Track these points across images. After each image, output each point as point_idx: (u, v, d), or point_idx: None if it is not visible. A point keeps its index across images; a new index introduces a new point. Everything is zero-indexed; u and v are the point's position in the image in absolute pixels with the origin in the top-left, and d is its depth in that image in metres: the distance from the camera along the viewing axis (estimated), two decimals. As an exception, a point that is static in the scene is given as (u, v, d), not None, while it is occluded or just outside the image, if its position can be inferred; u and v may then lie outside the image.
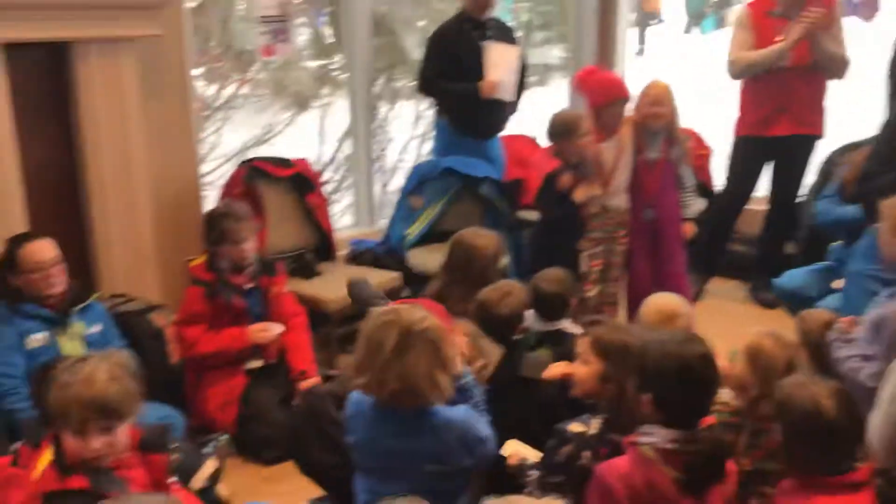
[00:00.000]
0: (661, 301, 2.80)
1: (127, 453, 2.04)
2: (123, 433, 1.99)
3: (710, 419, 2.04)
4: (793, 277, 3.81)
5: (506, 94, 4.41)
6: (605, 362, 2.28)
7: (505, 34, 4.56)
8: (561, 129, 3.80)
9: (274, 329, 3.30)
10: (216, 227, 3.27)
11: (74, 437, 1.93)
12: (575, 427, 2.27)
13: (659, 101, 3.82)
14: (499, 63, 4.38)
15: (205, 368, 3.30)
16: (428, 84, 4.43)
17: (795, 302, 3.71)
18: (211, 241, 3.29)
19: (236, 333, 3.27)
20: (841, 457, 2.01)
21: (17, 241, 2.99)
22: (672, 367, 2.00)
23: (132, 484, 2.00)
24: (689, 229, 4.06)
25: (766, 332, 2.48)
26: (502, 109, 4.53)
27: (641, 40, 12.94)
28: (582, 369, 2.34)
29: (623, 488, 1.99)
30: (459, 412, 2.15)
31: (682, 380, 1.99)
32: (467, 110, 4.41)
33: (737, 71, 4.53)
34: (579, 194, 3.82)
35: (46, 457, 1.99)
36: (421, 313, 2.02)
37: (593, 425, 2.26)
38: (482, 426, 2.21)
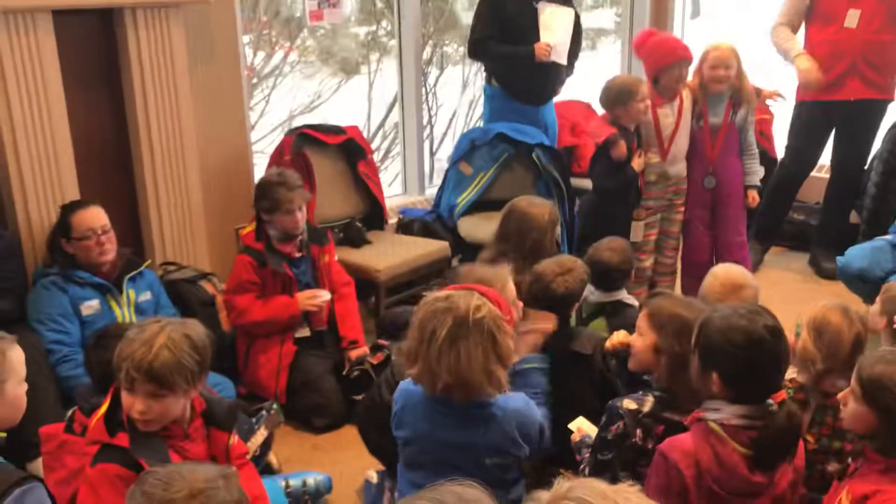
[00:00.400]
0: (726, 272, 2.70)
1: (190, 425, 2.03)
2: (176, 404, 1.96)
3: (781, 394, 1.93)
4: (856, 257, 3.61)
5: (560, 58, 4.28)
6: (660, 336, 2.18)
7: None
8: (617, 94, 3.67)
9: (323, 296, 3.28)
10: (269, 196, 3.22)
11: (125, 393, 1.93)
12: (628, 404, 2.19)
13: (722, 63, 3.69)
14: (553, 25, 4.25)
15: (255, 337, 3.29)
16: (478, 47, 4.32)
17: (863, 284, 3.55)
18: (263, 209, 3.25)
19: (286, 301, 3.25)
20: None
21: (70, 207, 3.02)
22: (740, 341, 1.89)
23: (187, 457, 1.97)
24: (753, 198, 3.93)
25: (833, 304, 2.38)
26: (556, 74, 4.40)
27: (696, 1, 12.58)
28: (638, 342, 2.26)
29: (688, 466, 1.91)
30: (518, 401, 2.05)
31: (750, 355, 1.89)
32: (519, 75, 4.30)
33: (771, 40, 4.36)
34: (636, 163, 3.70)
35: (103, 409, 2.00)
36: (477, 300, 1.90)
37: (647, 402, 2.17)
38: (539, 415, 2.12)
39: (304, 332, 3.31)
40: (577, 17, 4.43)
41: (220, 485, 1.52)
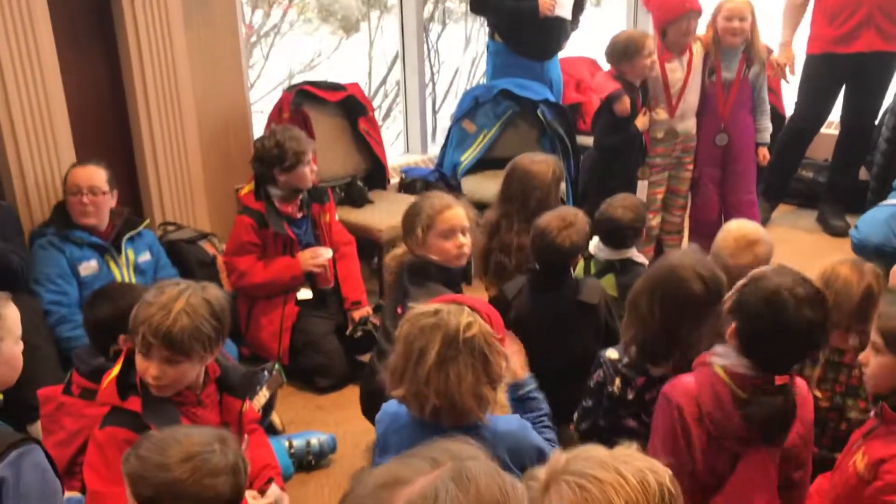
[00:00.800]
0: (739, 227, 2.64)
1: (203, 391, 1.99)
2: (192, 370, 1.92)
3: (784, 378, 1.86)
4: (871, 231, 3.50)
5: (565, 12, 4.18)
6: (647, 295, 2.12)
7: None
8: (623, 49, 3.58)
9: (324, 254, 3.23)
10: (276, 150, 3.11)
11: (139, 357, 1.89)
12: (610, 353, 2.18)
13: (737, 15, 3.59)
14: None
15: (256, 298, 3.24)
16: (481, 1, 4.22)
17: (880, 259, 3.47)
18: (280, 167, 3.13)
19: (288, 263, 3.19)
20: None
21: (74, 164, 2.99)
22: (765, 304, 1.82)
23: (198, 423, 1.93)
24: (764, 155, 3.86)
25: (846, 259, 2.33)
26: (560, 29, 4.30)
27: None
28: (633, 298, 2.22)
29: (690, 408, 1.87)
30: (512, 423, 1.90)
31: (773, 321, 1.81)
32: (523, 30, 4.20)
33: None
34: (640, 122, 3.62)
35: (115, 371, 1.96)
36: (467, 316, 1.74)
37: (628, 354, 2.15)
38: (537, 439, 1.93)
39: (307, 294, 3.26)
40: None
41: (215, 448, 1.49)
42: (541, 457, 1.84)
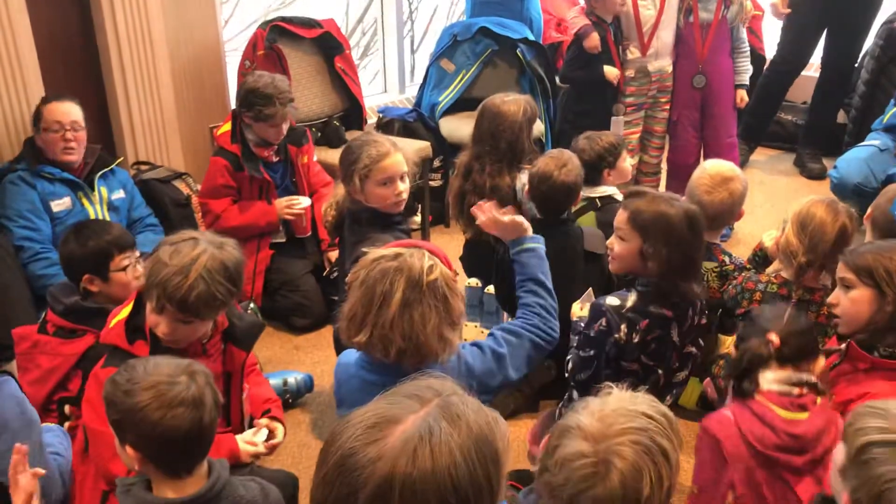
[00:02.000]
0: (714, 165, 2.67)
1: (209, 341, 1.98)
2: (203, 326, 1.91)
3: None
4: (850, 171, 3.53)
5: None
6: (646, 239, 2.13)
7: None
8: None
9: (301, 202, 3.17)
10: (254, 106, 3.03)
11: (152, 312, 1.86)
12: (611, 301, 2.18)
13: None
14: None
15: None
16: None
17: (860, 198, 3.49)
18: (247, 115, 3.07)
19: (264, 209, 3.14)
20: None
21: (47, 98, 2.92)
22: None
23: None
24: (742, 98, 3.85)
25: (820, 199, 2.35)
26: None
27: None
28: (620, 245, 2.21)
29: (728, 435, 1.88)
30: (451, 359, 1.83)
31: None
32: None
33: None
34: (610, 72, 3.59)
35: (124, 312, 1.93)
36: (429, 261, 1.73)
37: (630, 298, 2.16)
38: (491, 359, 1.89)
39: (280, 238, 3.22)
40: None
41: (180, 380, 1.49)
42: (491, 374, 1.85)
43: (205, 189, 3.20)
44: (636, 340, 2.13)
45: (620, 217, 2.19)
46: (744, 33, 3.77)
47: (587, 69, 3.65)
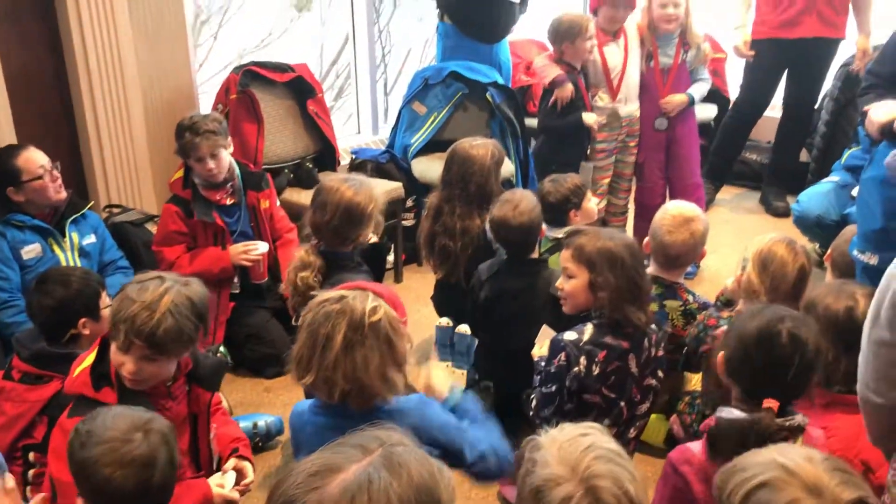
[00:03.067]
0: (676, 206, 2.76)
1: (174, 383, 1.98)
2: (169, 365, 1.92)
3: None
4: (811, 204, 3.62)
5: None
6: (593, 272, 2.22)
7: None
8: (566, 30, 3.63)
9: (258, 248, 3.10)
10: (178, 140, 3.02)
11: (116, 351, 1.87)
12: (569, 336, 2.24)
13: (671, 2, 3.64)
14: None
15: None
16: None
17: (820, 230, 3.58)
18: (179, 154, 3.08)
19: (218, 254, 3.08)
20: None
21: (8, 152, 2.85)
22: (751, 336, 1.79)
23: (169, 416, 1.90)
24: (671, 101, 3.84)
25: (779, 237, 2.41)
26: (509, 11, 4.32)
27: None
28: (570, 284, 2.28)
29: (697, 479, 1.81)
30: (411, 401, 1.86)
31: (755, 351, 1.78)
32: (472, 12, 4.22)
33: None
34: (587, 117, 3.67)
35: (88, 359, 1.93)
36: (372, 301, 1.77)
37: (587, 331, 2.23)
38: (441, 414, 1.89)
39: (235, 289, 3.16)
40: None
41: (133, 438, 1.49)
42: (445, 431, 1.84)
43: (158, 237, 3.15)
44: (596, 372, 2.18)
45: (565, 256, 2.28)
46: (703, 73, 3.86)
47: (562, 118, 3.71)
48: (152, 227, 3.37)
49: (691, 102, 3.83)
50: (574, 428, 1.40)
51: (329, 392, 1.74)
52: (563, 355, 2.22)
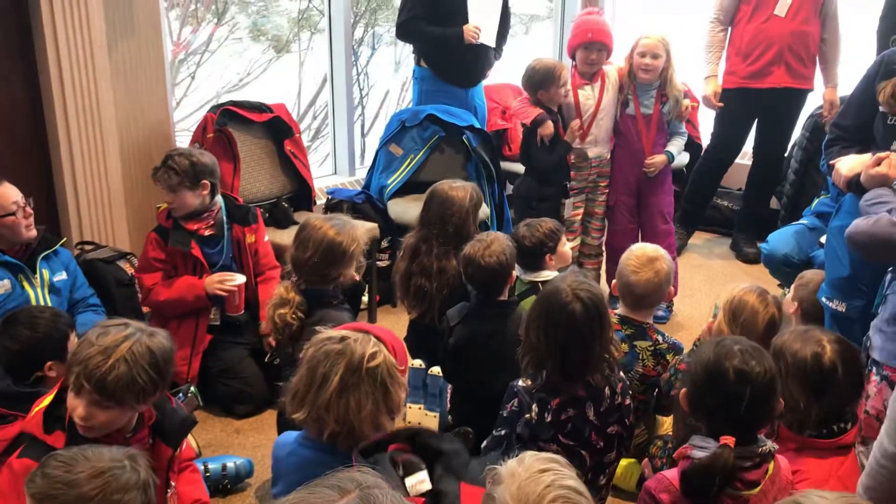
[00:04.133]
0: (640, 247, 2.80)
1: (134, 435, 1.94)
2: (122, 416, 1.87)
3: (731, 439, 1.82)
4: (779, 243, 3.70)
5: (488, 40, 4.29)
6: (528, 330, 2.21)
7: None
8: (541, 78, 3.70)
9: (235, 280, 3.12)
10: (155, 168, 3.14)
11: (71, 394, 1.83)
12: (524, 381, 2.24)
13: (650, 52, 3.71)
14: (482, 8, 4.25)
15: (168, 318, 3.17)
16: (407, 28, 4.27)
17: (787, 269, 3.63)
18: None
19: (192, 283, 3.11)
20: (836, 412, 1.98)
21: None
22: (702, 370, 1.84)
23: None
24: (653, 163, 3.88)
25: (750, 287, 2.45)
26: (485, 56, 4.40)
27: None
28: (524, 338, 2.28)
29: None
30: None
31: (709, 387, 1.83)
32: (448, 56, 4.29)
33: (705, 38, 4.46)
34: (568, 135, 3.74)
35: (46, 400, 1.90)
36: (373, 346, 1.78)
37: (540, 378, 2.21)
38: None
39: (214, 321, 3.17)
40: (506, 0, 4.44)
41: (125, 465, 1.48)
42: None
43: (139, 264, 3.22)
44: (549, 420, 2.16)
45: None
46: (682, 127, 3.92)
47: (549, 154, 3.76)
48: (124, 265, 3.34)
49: (671, 160, 3.89)
50: (535, 461, 1.40)
51: (319, 430, 1.75)
52: (515, 401, 2.22)
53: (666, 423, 2.81)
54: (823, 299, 2.63)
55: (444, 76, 4.35)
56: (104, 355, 1.78)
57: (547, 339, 2.12)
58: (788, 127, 4.58)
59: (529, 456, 1.43)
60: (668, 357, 2.64)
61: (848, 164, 2.52)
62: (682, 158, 4.98)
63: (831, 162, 2.65)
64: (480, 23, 4.21)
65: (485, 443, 2.33)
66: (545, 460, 1.41)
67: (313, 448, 1.79)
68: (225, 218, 3.24)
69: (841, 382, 2.02)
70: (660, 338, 2.69)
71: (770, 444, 1.83)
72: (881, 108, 2.59)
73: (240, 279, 3.13)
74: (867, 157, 2.47)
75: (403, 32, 4.34)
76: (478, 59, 4.36)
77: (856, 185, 2.48)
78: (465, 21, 4.20)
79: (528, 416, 2.19)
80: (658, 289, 2.69)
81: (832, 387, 2.03)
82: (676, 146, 3.90)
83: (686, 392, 1.90)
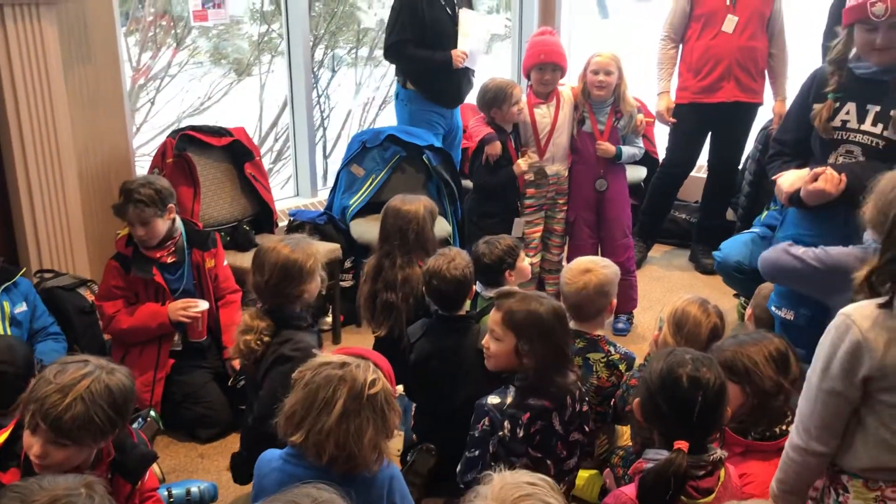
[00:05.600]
0: (577, 260, 2.87)
1: (93, 471, 1.91)
2: (78, 455, 1.85)
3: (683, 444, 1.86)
4: (732, 251, 3.80)
5: (475, 64, 4.42)
6: (520, 338, 2.25)
7: (468, 2, 4.52)
8: (493, 97, 3.77)
9: (199, 306, 3.12)
10: (117, 205, 3.13)
11: (27, 431, 1.82)
12: (492, 399, 2.27)
13: (602, 69, 3.79)
14: (471, 32, 4.33)
15: (130, 345, 3.17)
16: (396, 50, 4.31)
17: (740, 276, 3.72)
18: (115, 213, 3.17)
19: (155, 310, 3.11)
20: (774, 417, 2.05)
21: None
22: (655, 377, 1.88)
23: None
24: (607, 148, 3.92)
25: (692, 298, 2.51)
26: (469, 77, 4.52)
27: (603, 3, 12.88)
28: (495, 345, 2.32)
29: None
30: (384, 470, 1.91)
31: (661, 394, 1.87)
32: (437, 79, 4.35)
33: (657, 55, 4.56)
34: (516, 167, 3.79)
35: (3, 437, 1.89)
36: (372, 373, 1.81)
37: (510, 394, 2.26)
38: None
39: (177, 346, 3.17)
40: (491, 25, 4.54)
41: (81, 492, 1.48)
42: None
43: (99, 292, 3.22)
44: (521, 435, 2.21)
45: (494, 318, 2.31)
46: (639, 141, 3.99)
47: (492, 174, 3.83)
48: (84, 292, 3.33)
49: (618, 156, 3.88)
50: (515, 487, 1.41)
51: (318, 455, 1.77)
52: (486, 420, 2.25)
53: (626, 434, 2.86)
54: (773, 308, 2.71)
55: (432, 97, 4.42)
56: (61, 394, 1.77)
57: (544, 346, 2.22)
58: (741, 140, 4.69)
59: (510, 477, 1.45)
60: (622, 367, 2.70)
61: (789, 180, 2.61)
62: (640, 173, 5.07)
63: (773, 177, 2.73)
64: (469, 47, 4.31)
65: (459, 466, 2.34)
66: (527, 482, 1.44)
67: (303, 466, 1.81)
68: (185, 243, 3.24)
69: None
70: (612, 349, 2.74)
71: (720, 452, 1.88)
72: (815, 125, 2.66)
73: (203, 305, 3.13)
74: (806, 173, 2.55)
75: (392, 55, 4.38)
76: (463, 80, 4.47)
77: (797, 200, 2.56)
78: (453, 43, 4.29)
79: (500, 433, 2.22)
80: (589, 300, 2.73)
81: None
82: (628, 151, 3.92)
83: (640, 401, 1.95)
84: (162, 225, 3.13)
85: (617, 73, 3.80)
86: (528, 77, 3.91)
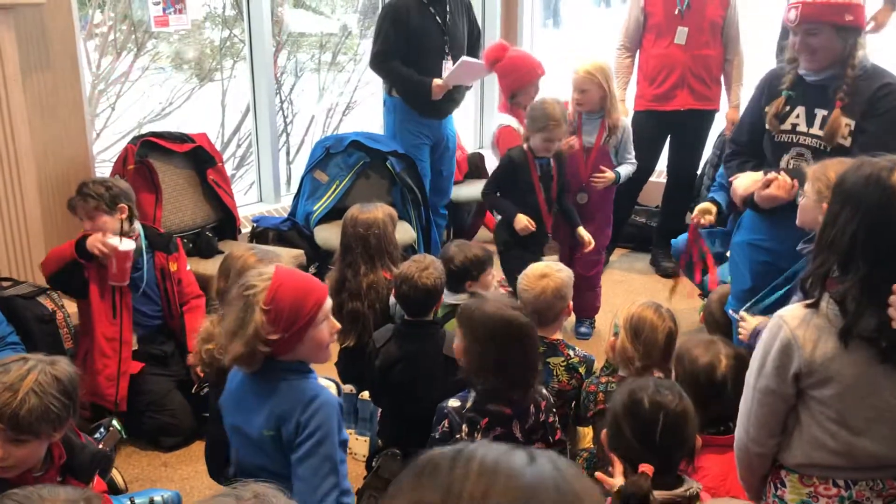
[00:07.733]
0: (535, 266, 2.89)
1: (44, 474, 1.93)
2: (39, 449, 1.88)
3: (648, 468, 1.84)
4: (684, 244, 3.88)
5: (469, 82, 4.40)
6: (464, 337, 2.28)
7: (466, 11, 4.46)
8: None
9: (119, 243, 3.02)
10: (70, 199, 3.19)
11: None
12: (453, 402, 2.29)
13: (577, 87, 3.76)
14: (462, 76, 4.24)
15: (94, 339, 3.11)
16: (379, 62, 4.25)
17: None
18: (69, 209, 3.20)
19: (71, 241, 3.10)
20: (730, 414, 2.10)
21: None
22: (618, 402, 1.91)
23: None
24: (602, 179, 3.91)
25: (645, 302, 2.53)
26: (459, 92, 4.43)
27: (556, 12, 12.99)
28: (455, 343, 2.36)
29: None
30: (332, 398, 1.97)
31: (625, 419, 1.87)
32: (418, 96, 4.28)
33: (613, 64, 4.63)
34: (517, 221, 3.68)
35: None
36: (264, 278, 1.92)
37: (470, 398, 2.28)
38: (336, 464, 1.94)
39: (134, 347, 3.16)
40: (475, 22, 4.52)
41: None
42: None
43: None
44: (478, 439, 2.23)
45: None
46: (631, 155, 3.97)
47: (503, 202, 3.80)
48: (44, 300, 3.29)
49: (617, 180, 3.89)
50: None
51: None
52: (446, 422, 2.27)
53: (588, 437, 2.90)
54: (730, 311, 2.77)
55: (417, 108, 4.34)
56: (12, 391, 1.80)
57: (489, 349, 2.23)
58: (698, 146, 4.78)
59: None
60: (581, 370, 2.73)
61: (744, 184, 2.68)
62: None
63: (730, 179, 2.79)
64: (453, 84, 4.22)
65: None
66: None
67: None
68: (145, 245, 3.22)
69: (729, 396, 2.14)
70: (571, 352, 2.78)
71: (696, 486, 1.90)
72: (767, 127, 2.74)
73: (126, 245, 3.05)
74: (760, 177, 2.62)
75: (374, 65, 4.31)
76: (452, 93, 4.32)
77: (752, 203, 2.63)
78: (440, 57, 4.24)
79: (458, 436, 2.24)
80: (546, 305, 2.76)
81: (719, 398, 2.19)
82: (625, 170, 3.90)
83: (606, 430, 1.95)
84: (110, 222, 3.10)
85: (596, 88, 3.71)
86: (512, 95, 3.83)
